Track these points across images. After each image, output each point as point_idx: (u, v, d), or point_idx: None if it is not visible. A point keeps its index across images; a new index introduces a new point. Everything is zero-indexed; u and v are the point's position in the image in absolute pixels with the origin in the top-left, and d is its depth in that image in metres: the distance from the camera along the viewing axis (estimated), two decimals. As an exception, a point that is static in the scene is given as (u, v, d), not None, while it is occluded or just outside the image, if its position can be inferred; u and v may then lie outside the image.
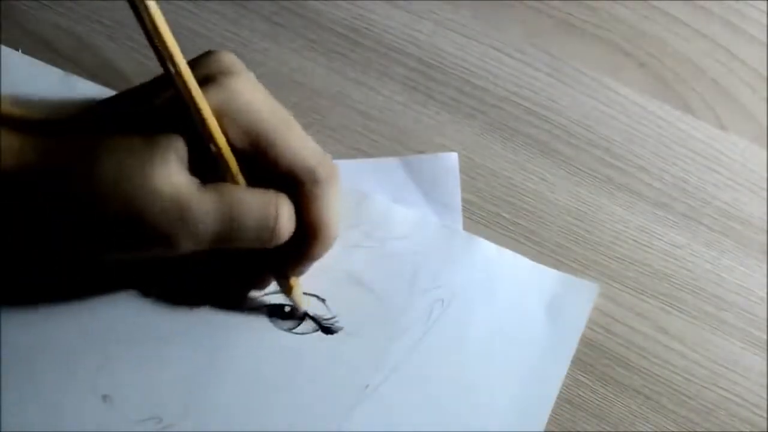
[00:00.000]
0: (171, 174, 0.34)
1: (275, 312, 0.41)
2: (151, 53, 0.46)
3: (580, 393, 0.42)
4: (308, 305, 0.41)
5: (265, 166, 0.36)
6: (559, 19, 0.49)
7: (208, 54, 0.37)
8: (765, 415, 0.42)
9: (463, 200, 0.44)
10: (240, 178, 0.36)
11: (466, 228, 0.44)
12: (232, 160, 0.35)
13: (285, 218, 0.36)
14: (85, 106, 0.38)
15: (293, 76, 0.46)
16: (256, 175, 0.36)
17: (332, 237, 0.38)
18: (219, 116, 0.35)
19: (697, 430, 0.42)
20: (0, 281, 0.39)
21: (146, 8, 0.32)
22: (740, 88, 0.48)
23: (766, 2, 0.50)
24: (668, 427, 0.42)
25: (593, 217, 0.45)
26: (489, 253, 0.43)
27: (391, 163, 0.45)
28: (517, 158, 0.46)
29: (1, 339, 0.39)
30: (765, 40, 0.49)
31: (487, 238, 0.44)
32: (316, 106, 0.46)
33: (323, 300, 0.41)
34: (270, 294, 0.41)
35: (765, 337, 0.43)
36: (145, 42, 0.46)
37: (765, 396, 0.42)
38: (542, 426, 0.41)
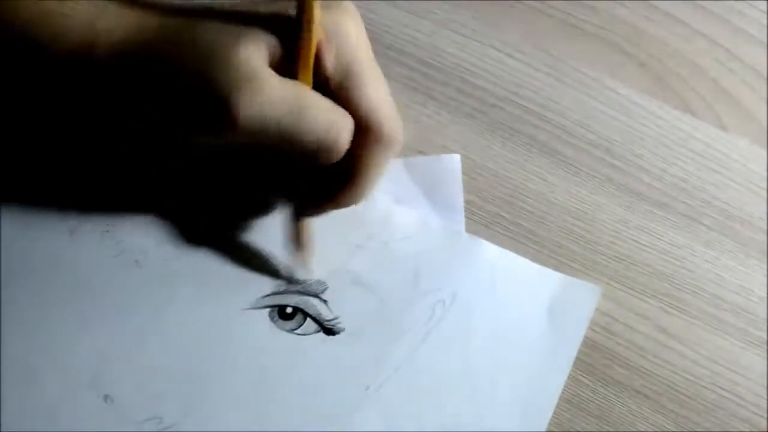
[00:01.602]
0: (255, 54, 0.35)
1: (277, 313, 0.41)
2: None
3: (580, 393, 0.42)
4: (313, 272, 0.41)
5: (342, 103, 0.37)
6: (559, 19, 0.49)
7: None
8: (765, 414, 0.42)
9: (463, 200, 0.44)
10: (310, 83, 0.37)
11: (465, 228, 0.44)
12: (310, 65, 0.36)
13: (347, 132, 0.37)
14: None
15: (293, 77, 0.46)
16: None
17: (366, 192, 0.39)
18: (323, 38, 0.36)
19: (697, 429, 0.42)
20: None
21: None
22: (740, 88, 0.48)
23: (766, 2, 0.50)
24: (668, 426, 0.42)
25: (593, 217, 0.45)
26: (491, 254, 0.43)
27: (393, 164, 0.45)
28: (517, 158, 0.46)
29: (2, 339, 0.39)
30: (765, 40, 0.49)
31: (487, 238, 0.44)
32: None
33: (325, 301, 0.41)
34: (272, 295, 0.41)
35: (765, 336, 0.43)
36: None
37: (765, 396, 0.42)
38: (544, 426, 0.41)
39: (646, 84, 0.48)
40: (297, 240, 0.40)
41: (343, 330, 0.41)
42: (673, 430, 0.42)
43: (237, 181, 0.42)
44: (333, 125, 0.36)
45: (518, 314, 0.42)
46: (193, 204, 0.42)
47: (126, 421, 0.38)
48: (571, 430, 0.41)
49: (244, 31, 0.35)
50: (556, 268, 0.44)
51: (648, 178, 0.46)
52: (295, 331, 0.41)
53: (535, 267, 0.43)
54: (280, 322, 0.41)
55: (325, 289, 0.41)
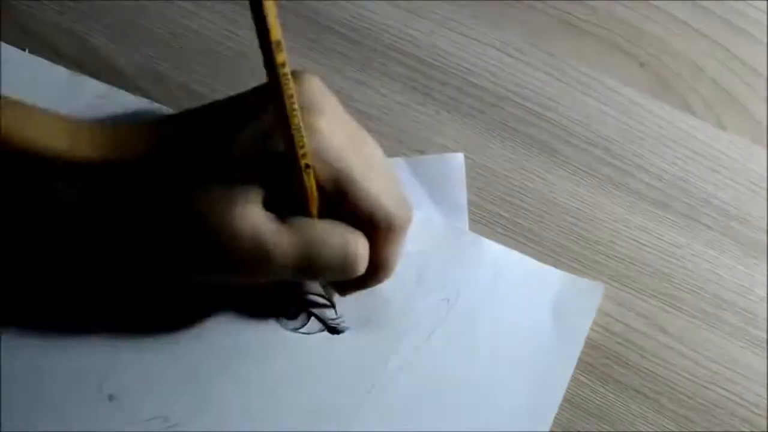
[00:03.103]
0: (251, 214, 0.35)
1: (282, 312, 0.41)
2: (150, 52, 0.47)
3: (580, 393, 0.42)
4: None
5: (343, 205, 0.36)
6: (559, 18, 0.49)
7: (295, 75, 0.35)
8: (765, 414, 0.42)
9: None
10: (315, 212, 0.36)
11: (468, 227, 0.44)
12: (314, 195, 0.36)
13: (362, 251, 0.37)
14: (160, 133, 0.38)
15: (293, 76, 0.46)
16: (331, 212, 0.36)
17: (389, 276, 0.39)
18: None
19: (697, 429, 0.42)
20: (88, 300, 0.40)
21: (276, 29, 0.31)
22: (740, 87, 0.48)
23: (766, 2, 0.50)
24: (668, 426, 0.42)
25: (593, 216, 0.45)
26: (495, 253, 0.43)
27: (396, 163, 0.45)
28: (516, 158, 0.46)
29: (7, 339, 0.39)
30: (765, 40, 0.49)
31: (487, 237, 0.44)
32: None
33: (330, 300, 0.41)
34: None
35: (764, 336, 0.43)
36: (145, 41, 0.47)
37: (765, 395, 0.42)
38: (548, 426, 0.41)
39: (645, 84, 0.48)
40: (328, 297, 0.41)
41: (348, 329, 0.41)
42: (673, 429, 0.42)
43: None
44: (347, 255, 0.36)
45: (522, 312, 0.42)
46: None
47: (131, 420, 0.38)
48: (571, 429, 0.41)
49: (230, 189, 0.35)
50: (555, 267, 0.43)
51: (648, 178, 0.46)
52: (299, 330, 0.41)
53: (539, 265, 0.43)
54: (285, 321, 0.41)
55: (330, 288, 0.41)
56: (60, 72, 0.44)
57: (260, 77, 0.45)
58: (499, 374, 0.41)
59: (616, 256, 0.44)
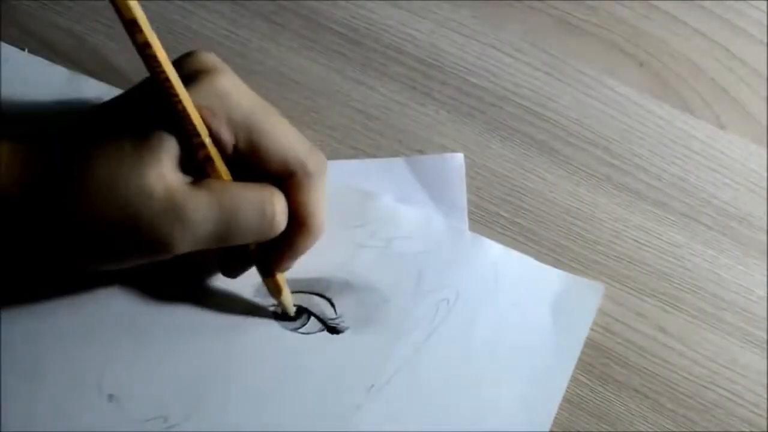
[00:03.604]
0: (163, 174, 0.34)
1: (281, 312, 0.41)
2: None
3: (579, 392, 0.42)
4: (294, 309, 0.41)
5: (256, 161, 0.36)
6: (559, 18, 0.49)
7: (188, 55, 0.37)
8: (764, 414, 0.42)
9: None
10: (227, 175, 0.36)
11: (468, 227, 0.44)
12: (218, 157, 0.35)
13: (280, 209, 0.36)
14: (73, 117, 0.37)
15: (292, 76, 0.46)
16: (246, 172, 0.36)
17: (320, 229, 0.38)
18: (205, 114, 0.35)
19: (696, 429, 0.42)
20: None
21: (127, 8, 0.32)
22: (740, 87, 0.48)
23: (766, 2, 0.50)
24: (667, 426, 0.42)
25: (592, 216, 0.45)
26: (494, 253, 0.43)
27: (396, 163, 0.45)
28: (516, 157, 0.46)
29: (6, 338, 0.39)
30: (765, 40, 0.49)
31: (487, 237, 0.44)
32: (316, 106, 0.46)
33: (329, 300, 0.41)
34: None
35: (764, 336, 0.43)
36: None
37: (764, 395, 0.42)
38: (548, 426, 0.41)
39: (645, 83, 0.48)
40: (275, 292, 0.40)
41: (347, 329, 0.41)
42: (673, 429, 0.42)
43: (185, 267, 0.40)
44: (264, 214, 0.36)
45: (522, 312, 0.42)
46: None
47: (130, 420, 0.38)
48: (571, 429, 0.41)
49: (139, 150, 0.34)
50: (555, 267, 0.43)
51: (647, 178, 0.46)
52: (299, 330, 0.41)
53: (539, 265, 0.43)
54: (284, 321, 0.41)
55: (329, 288, 0.41)
56: (60, 72, 0.44)
57: (260, 77, 0.45)
58: (499, 374, 0.41)
59: (615, 256, 0.44)
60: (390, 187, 0.44)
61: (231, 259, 0.40)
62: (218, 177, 0.36)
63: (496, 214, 0.45)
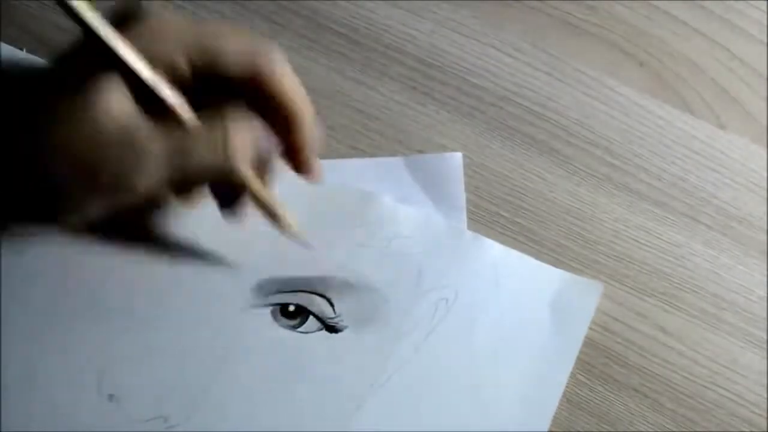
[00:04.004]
0: (112, 103, 0.33)
1: (280, 311, 0.41)
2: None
3: (579, 392, 0.42)
4: (307, 240, 0.40)
5: (218, 74, 0.35)
6: (559, 18, 0.49)
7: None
8: (764, 414, 0.42)
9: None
10: (184, 111, 0.35)
11: (466, 227, 0.44)
12: (169, 94, 0.35)
13: (237, 139, 0.35)
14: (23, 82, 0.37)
15: (293, 76, 0.46)
16: (212, 88, 0.36)
17: (309, 109, 0.38)
18: (151, 47, 0.34)
19: (696, 429, 0.42)
20: None
21: None
22: (740, 87, 0.48)
23: (766, 2, 0.50)
24: (667, 426, 0.42)
25: (592, 216, 0.45)
26: (494, 252, 0.43)
27: (395, 162, 0.45)
28: (516, 157, 0.46)
29: (6, 339, 0.39)
30: (765, 39, 0.49)
31: (487, 237, 0.44)
32: (316, 106, 0.45)
33: (328, 299, 0.41)
34: (275, 294, 0.41)
35: (764, 335, 0.43)
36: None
37: (764, 395, 0.42)
38: (547, 425, 0.41)
39: (645, 83, 0.48)
40: (275, 220, 0.39)
41: (346, 328, 0.41)
42: (672, 429, 0.42)
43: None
44: (223, 156, 0.35)
45: (521, 311, 0.42)
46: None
47: (131, 420, 0.38)
48: (570, 429, 0.41)
49: (83, 83, 0.33)
50: (555, 266, 0.44)
51: (647, 177, 0.46)
52: (298, 329, 0.41)
53: (538, 264, 0.43)
54: (283, 320, 0.41)
55: (329, 287, 0.41)
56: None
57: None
58: (498, 373, 0.41)
59: (615, 256, 0.44)
60: (389, 186, 0.44)
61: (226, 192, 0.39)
62: (173, 113, 0.35)
63: (497, 214, 0.45)
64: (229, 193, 0.39)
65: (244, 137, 0.36)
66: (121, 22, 0.35)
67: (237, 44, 0.36)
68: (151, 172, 0.34)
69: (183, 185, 0.37)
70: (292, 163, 0.39)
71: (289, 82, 0.37)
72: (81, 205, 0.36)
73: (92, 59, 0.34)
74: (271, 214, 0.39)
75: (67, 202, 0.36)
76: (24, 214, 0.36)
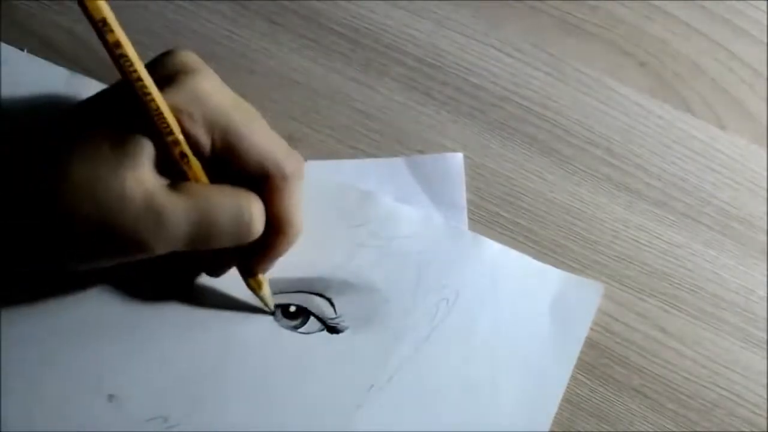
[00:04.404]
0: (142, 177, 0.34)
1: (281, 311, 0.41)
2: (149, 52, 0.47)
3: (579, 392, 0.42)
4: (273, 304, 0.41)
5: (233, 163, 0.36)
6: (559, 18, 0.49)
7: (166, 54, 0.37)
8: (765, 414, 0.42)
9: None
10: (203, 177, 0.36)
11: (467, 227, 0.44)
12: (193, 157, 0.35)
13: (257, 213, 0.36)
14: (52, 115, 0.37)
15: (293, 76, 0.46)
16: (223, 174, 0.36)
17: (297, 232, 0.38)
18: (181, 115, 0.35)
19: (697, 429, 0.42)
20: None
21: (96, 8, 0.32)
22: (740, 87, 0.48)
23: (766, 2, 0.50)
24: (667, 426, 0.42)
25: (592, 216, 0.45)
26: (494, 252, 0.43)
27: (395, 162, 0.45)
28: (516, 157, 0.46)
29: (6, 339, 0.39)
30: (765, 40, 0.49)
31: (487, 237, 0.44)
32: (316, 106, 0.46)
33: (329, 299, 0.41)
34: (276, 294, 0.41)
35: (764, 336, 0.43)
36: (143, 41, 0.47)
37: (764, 395, 0.42)
38: (548, 425, 0.41)
39: (645, 83, 0.48)
40: (255, 288, 0.40)
41: (347, 328, 0.41)
42: (673, 429, 0.42)
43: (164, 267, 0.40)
44: (241, 218, 0.36)
45: (521, 312, 0.42)
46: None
47: (130, 420, 0.38)
48: (570, 429, 0.41)
49: (117, 152, 0.34)
50: (555, 267, 0.44)
51: (647, 178, 0.46)
52: (299, 330, 0.41)
53: (538, 264, 0.43)
54: (284, 320, 0.41)
55: (329, 287, 0.41)
56: (59, 72, 0.44)
57: (260, 77, 0.45)
58: (499, 373, 0.41)
59: (615, 256, 0.44)
60: (389, 186, 0.44)
61: (213, 260, 0.40)
62: (194, 177, 0.36)
63: (497, 214, 0.45)
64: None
65: (263, 208, 0.37)
66: (167, 76, 0.35)
67: (260, 144, 0.36)
68: (172, 237, 0.35)
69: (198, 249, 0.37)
70: (246, 259, 0.39)
71: (291, 203, 0.37)
72: (92, 257, 0.36)
73: (127, 111, 0.34)
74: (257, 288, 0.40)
75: (79, 251, 0.36)
76: (28, 253, 0.36)
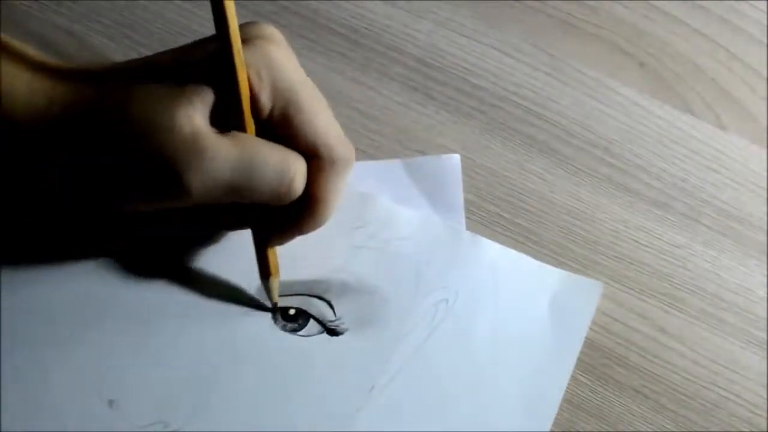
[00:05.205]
0: (193, 115, 0.34)
1: (280, 314, 0.41)
2: (149, 52, 0.47)
3: (579, 393, 0.42)
4: (277, 300, 0.41)
5: (287, 134, 0.36)
6: (559, 18, 0.49)
7: (252, 22, 0.38)
8: (764, 414, 0.42)
9: (463, 200, 0.44)
10: (253, 132, 0.36)
11: (465, 228, 0.44)
12: (250, 115, 0.36)
13: (300, 175, 0.36)
14: (117, 63, 0.38)
15: (293, 76, 0.46)
16: (272, 140, 0.37)
17: (328, 216, 0.38)
18: (251, 71, 0.35)
19: (697, 429, 0.42)
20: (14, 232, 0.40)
21: None
22: (740, 88, 0.48)
23: (766, 2, 0.50)
24: (667, 426, 0.42)
25: (592, 216, 0.45)
26: (493, 252, 0.43)
27: (393, 164, 0.45)
28: (516, 158, 0.46)
29: (6, 343, 0.39)
30: (765, 40, 0.49)
31: (487, 237, 0.44)
32: (316, 106, 0.46)
33: (328, 302, 0.41)
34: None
35: (764, 336, 0.43)
36: (144, 41, 0.47)
37: (764, 395, 0.42)
38: (548, 426, 0.40)
39: (645, 84, 0.48)
40: (265, 268, 0.40)
41: (347, 330, 0.41)
42: (673, 429, 0.42)
43: (194, 218, 0.40)
44: (284, 174, 0.36)
45: (521, 311, 0.42)
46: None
47: (131, 425, 0.38)
48: (571, 429, 0.41)
49: (174, 93, 0.35)
50: (555, 267, 0.43)
51: (647, 178, 0.46)
52: (299, 333, 0.41)
53: (537, 264, 0.43)
54: (283, 323, 0.41)
55: (328, 290, 0.41)
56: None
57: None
58: (499, 374, 0.41)
59: (615, 256, 0.44)
60: (387, 188, 0.44)
61: (237, 213, 0.40)
62: (246, 126, 0.36)
63: (497, 215, 0.45)
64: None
65: (305, 172, 0.37)
66: (248, 39, 0.36)
67: (317, 125, 0.37)
68: (212, 180, 0.35)
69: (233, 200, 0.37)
70: (266, 227, 0.39)
71: (331, 187, 0.38)
72: (139, 197, 0.36)
73: (197, 65, 0.35)
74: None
75: (128, 190, 0.36)
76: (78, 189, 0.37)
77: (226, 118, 0.35)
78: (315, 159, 0.37)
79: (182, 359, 0.40)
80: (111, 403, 0.39)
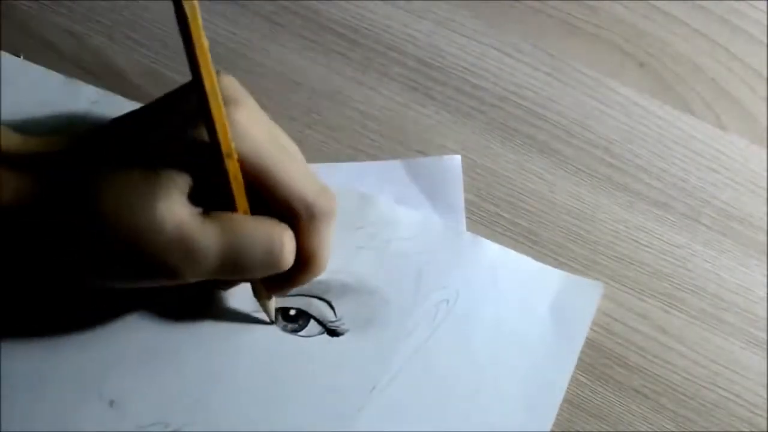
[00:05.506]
0: (173, 207, 0.34)
1: (281, 315, 0.41)
2: (149, 52, 0.47)
3: (580, 393, 0.42)
4: (277, 318, 0.41)
5: (264, 197, 0.36)
6: (559, 19, 0.49)
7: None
8: (765, 414, 0.42)
9: (463, 200, 0.44)
10: (245, 203, 0.36)
11: (465, 228, 0.44)
12: (242, 188, 0.35)
13: (289, 245, 0.36)
14: (83, 135, 0.37)
15: (293, 76, 0.46)
16: (255, 206, 0.36)
17: (321, 269, 0.38)
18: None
19: (697, 429, 0.42)
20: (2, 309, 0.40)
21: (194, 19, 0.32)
22: (740, 87, 0.48)
23: (766, 2, 0.50)
24: (667, 426, 0.42)
25: (593, 216, 0.45)
26: (493, 253, 0.43)
27: (394, 165, 0.45)
28: (516, 158, 0.46)
29: (7, 345, 0.39)
30: (765, 40, 0.49)
31: (487, 238, 0.44)
32: (316, 106, 0.46)
33: (329, 302, 0.41)
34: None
35: (764, 336, 0.43)
36: (144, 41, 0.47)
37: (765, 395, 0.42)
38: (549, 426, 0.41)
39: (645, 84, 0.48)
40: (261, 300, 0.40)
41: (347, 331, 0.41)
42: (673, 429, 0.42)
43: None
44: (273, 249, 0.35)
45: (521, 312, 0.42)
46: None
47: (132, 425, 0.38)
48: (571, 429, 0.41)
49: (149, 179, 0.34)
50: (555, 267, 0.43)
51: (647, 178, 0.46)
52: (299, 333, 0.41)
53: (537, 265, 0.43)
54: (284, 324, 0.41)
55: (329, 290, 0.41)
56: (55, 78, 0.44)
57: (260, 77, 0.45)
58: (499, 374, 0.41)
59: (615, 256, 0.44)
60: (388, 189, 0.44)
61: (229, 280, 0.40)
62: (241, 203, 0.35)
63: (497, 215, 0.45)
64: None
65: (294, 242, 0.36)
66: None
67: (290, 184, 0.35)
68: (202, 266, 0.35)
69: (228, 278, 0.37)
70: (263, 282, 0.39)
71: (318, 241, 0.37)
72: (125, 282, 0.36)
73: (163, 137, 0.34)
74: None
75: (106, 274, 0.36)
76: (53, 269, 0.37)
77: (205, 195, 0.35)
78: (296, 218, 0.36)
79: (183, 360, 0.40)
80: (112, 403, 0.39)
